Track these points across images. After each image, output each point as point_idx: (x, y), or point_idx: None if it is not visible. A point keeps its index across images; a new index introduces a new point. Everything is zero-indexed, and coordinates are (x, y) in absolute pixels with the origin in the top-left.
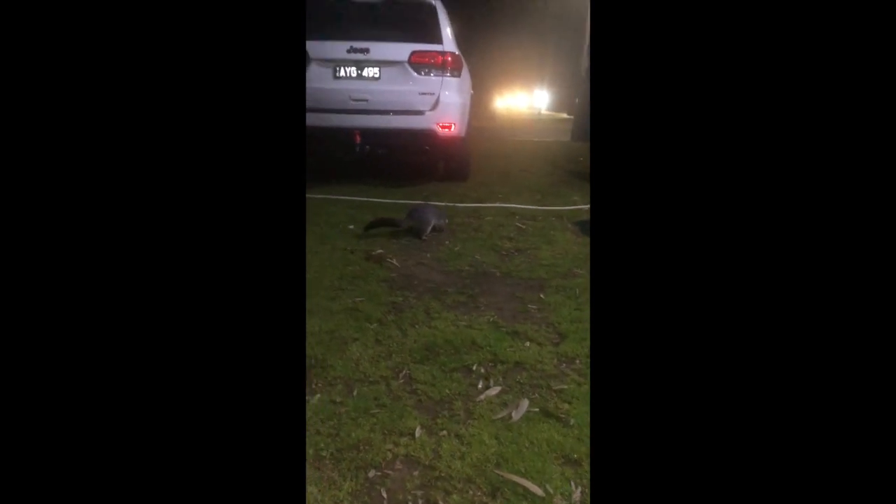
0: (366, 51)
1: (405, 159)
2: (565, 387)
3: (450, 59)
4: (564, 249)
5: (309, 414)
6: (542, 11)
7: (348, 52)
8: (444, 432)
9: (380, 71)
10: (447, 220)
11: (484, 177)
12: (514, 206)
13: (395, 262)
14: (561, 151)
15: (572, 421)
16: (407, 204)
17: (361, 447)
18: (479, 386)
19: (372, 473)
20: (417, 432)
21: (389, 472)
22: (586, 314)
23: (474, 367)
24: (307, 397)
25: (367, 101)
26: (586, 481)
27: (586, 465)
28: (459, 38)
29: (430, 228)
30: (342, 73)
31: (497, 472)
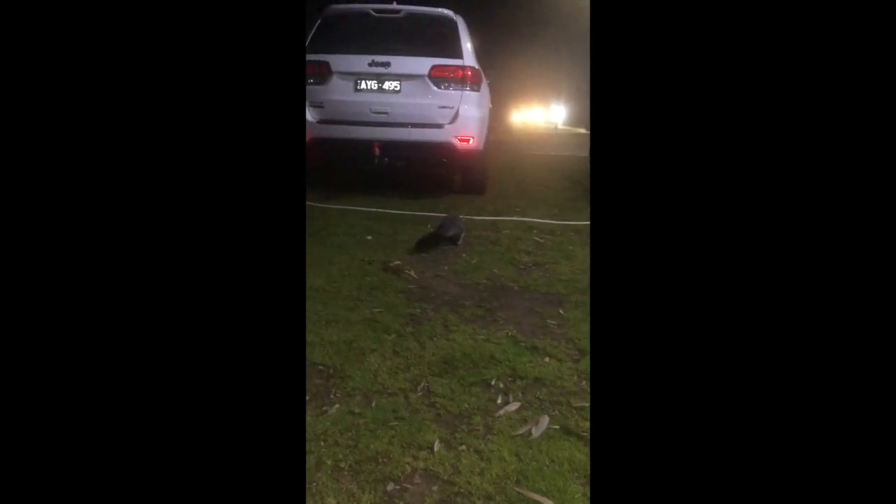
0: (387, 64)
1: (423, 172)
2: (586, 404)
3: (469, 73)
4: (583, 265)
5: (327, 424)
6: (560, 27)
7: (370, 65)
8: (464, 447)
9: (400, 84)
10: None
11: (501, 190)
12: (532, 219)
13: (412, 273)
14: (578, 166)
15: None
16: (425, 216)
17: (380, 460)
18: (499, 401)
19: (391, 487)
20: (436, 446)
21: (408, 485)
22: None
23: (493, 382)
24: (325, 408)
25: (387, 113)
26: None
27: None
28: (479, 52)
29: (462, 235)
30: (363, 85)
31: (517, 489)
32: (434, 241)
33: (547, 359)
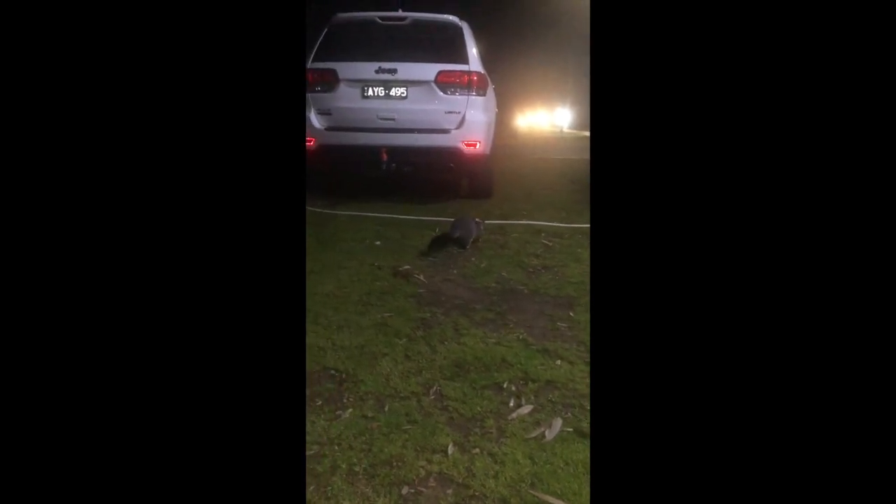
0: (393, 71)
1: (430, 177)
2: None
3: (475, 78)
4: None
5: (341, 429)
6: (566, 31)
7: (376, 72)
8: (477, 450)
9: (407, 90)
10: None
11: (508, 194)
12: (540, 223)
13: (421, 277)
14: (583, 169)
15: None
16: (433, 221)
17: (394, 463)
18: (511, 404)
19: (405, 490)
20: (450, 449)
21: (423, 489)
22: None
23: (505, 385)
24: (339, 412)
25: (394, 119)
26: None
27: None
28: (485, 57)
29: (472, 238)
30: (370, 92)
31: (532, 492)
32: (443, 243)
33: (558, 361)
